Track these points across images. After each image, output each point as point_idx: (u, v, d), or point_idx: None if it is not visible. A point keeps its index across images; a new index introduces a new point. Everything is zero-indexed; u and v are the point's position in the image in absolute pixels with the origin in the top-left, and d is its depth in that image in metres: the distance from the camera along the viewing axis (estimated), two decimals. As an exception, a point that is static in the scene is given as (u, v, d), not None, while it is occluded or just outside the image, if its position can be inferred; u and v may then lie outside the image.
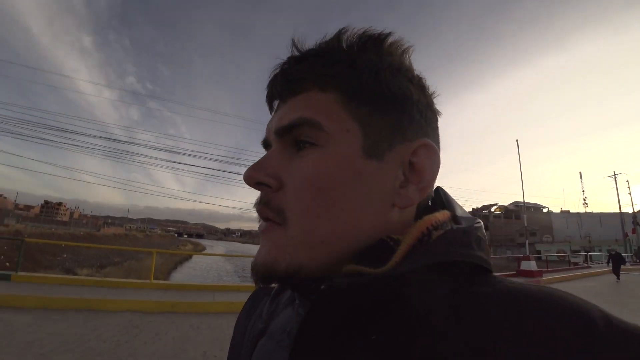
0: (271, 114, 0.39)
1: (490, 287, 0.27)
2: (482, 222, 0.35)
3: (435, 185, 0.37)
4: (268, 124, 0.38)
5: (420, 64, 0.37)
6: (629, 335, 0.22)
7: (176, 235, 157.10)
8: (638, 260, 33.45)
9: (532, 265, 13.84)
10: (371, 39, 0.35)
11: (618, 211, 46.12)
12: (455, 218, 0.35)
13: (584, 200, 61.12)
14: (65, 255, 28.27)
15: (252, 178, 0.34)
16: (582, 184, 62.73)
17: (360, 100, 0.33)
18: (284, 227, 0.32)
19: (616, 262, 14.92)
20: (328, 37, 0.36)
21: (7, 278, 6.09)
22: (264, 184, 0.33)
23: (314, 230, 0.31)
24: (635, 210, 53.15)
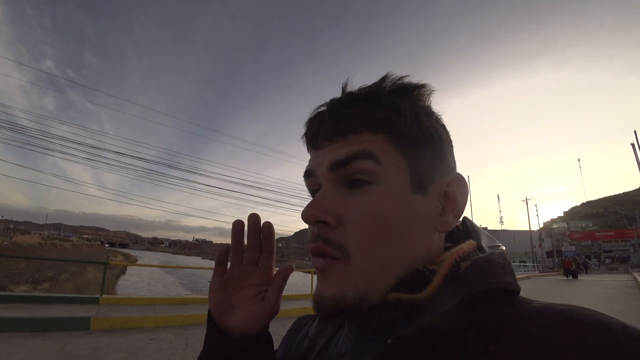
0: (309, 151, 0.43)
1: (519, 308, 0.32)
2: (504, 248, 0.40)
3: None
4: (314, 159, 0.41)
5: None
6: None
7: (107, 245, 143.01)
8: (542, 270, 39.66)
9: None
10: (409, 87, 0.40)
11: (528, 229, 53.81)
12: (480, 247, 0.39)
13: (501, 219, 69.68)
14: (-6, 270, 25.48)
15: (313, 216, 0.36)
16: (499, 205, 71.78)
17: (406, 141, 0.37)
18: (346, 261, 0.35)
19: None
20: (373, 83, 0.40)
21: (96, 301, 6.42)
22: (324, 222, 0.36)
23: (377, 260, 0.35)
24: (540, 228, 62.85)
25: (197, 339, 4.96)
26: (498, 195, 73.46)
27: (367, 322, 0.36)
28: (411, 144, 0.37)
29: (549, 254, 52.55)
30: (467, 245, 0.38)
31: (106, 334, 4.88)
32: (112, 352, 4.19)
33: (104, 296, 6.62)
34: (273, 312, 0.44)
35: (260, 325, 0.43)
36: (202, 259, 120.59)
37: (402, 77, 0.40)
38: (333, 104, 0.40)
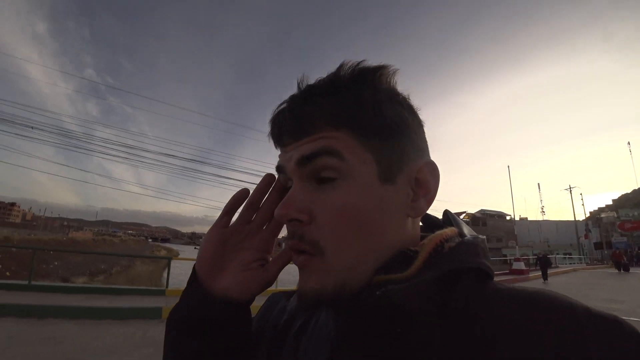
0: (277, 147, 0.43)
1: (494, 289, 0.34)
2: (485, 237, 0.42)
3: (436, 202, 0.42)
4: (283, 156, 0.41)
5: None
6: (605, 321, 0.29)
7: (150, 240, 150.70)
8: (589, 262, 37.68)
9: (521, 265, 18.03)
10: (369, 72, 0.39)
11: (572, 219, 51.24)
12: (461, 234, 0.40)
13: (542, 208, 66.76)
14: (56, 263, 27.80)
15: (285, 215, 0.37)
16: (540, 194, 68.78)
17: (369, 134, 0.37)
18: (322, 257, 0.36)
19: (543, 264, 16.31)
20: (330, 73, 0.40)
21: (162, 293, 7.12)
22: (296, 219, 0.37)
23: (351, 254, 0.36)
24: (586, 217, 59.44)
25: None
26: (538, 183, 70.40)
27: (354, 303, 0.36)
28: (375, 136, 0.37)
29: (597, 246, 49.46)
30: (450, 230, 0.40)
31: (177, 321, 5.43)
32: None
33: (169, 288, 7.28)
34: (269, 284, 0.45)
35: (251, 295, 0.43)
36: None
37: (359, 62, 0.40)
38: (292, 101, 0.40)
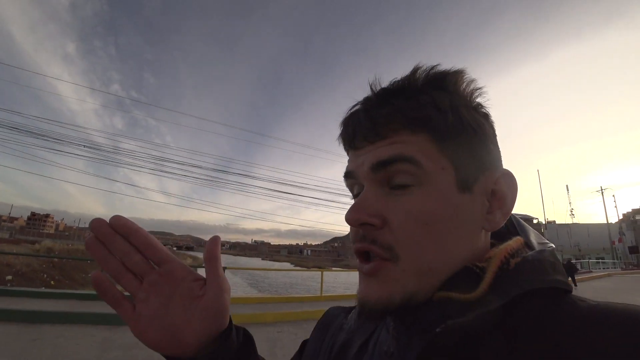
0: (347, 151, 0.42)
1: (572, 306, 0.30)
2: (554, 246, 0.38)
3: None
4: (354, 160, 0.40)
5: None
6: None
7: (174, 248, 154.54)
8: (624, 267, 36.30)
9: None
10: (445, 76, 0.38)
11: (603, 222, 49.45)
12: (528, 245, 0.38)
13: (571, 211, 64.65)
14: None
15: (356, 220, 0.36)
16: (569, 197, 66.56)
17: (448, 139, 0.36)
18: (394, 262, 0.34)
19: (568, 271, 15.20)
20: (404, 77, 0.39)
21: None
22: (368, 223, 0.35)
23: (424, 262, 0.34)
24: (620, 220, 57.09)
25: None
26: (567, 185, 68.24)
27: (415, 320, 0.35)
28: (454, 142, 0.36)
29: (632, 250, 47.50)
30: (515, 242, 0.37)
31: (238, 326, 5.89)
32: (258, 341, 5.18)
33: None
34: (218, 307, 0.40)
35: (222, 325, 0.40)
36: (262, 259, 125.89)
37: (434, 67, 0.38)
38: (367, 103, 0.39)
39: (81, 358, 3.96)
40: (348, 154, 0.42)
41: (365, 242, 0.36)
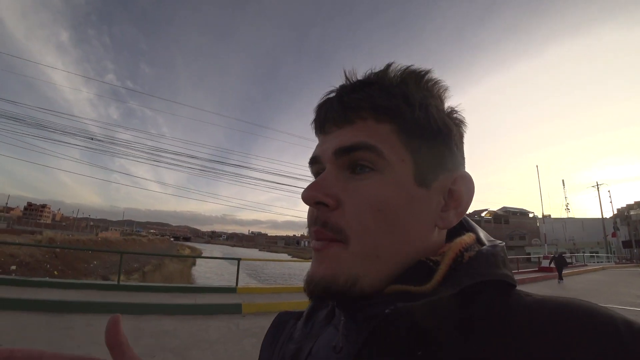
0: (317, 135, 0.43)
1: (519, 300, 0.31)
2: (503, 243, 0.39)
3: None
4: (321, 145, 0.41)
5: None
6: None
7: (172, 239, 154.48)
8: (619, 260, 36.92)
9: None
10: (415, 75, 0.39)
11: (598, 217, 50.17)
12: (479, 241, 0.40)
13: (567, 206, 65.41)
14: (95, 263, 29.25)
15: (312, 197, 0.36)
16: (564, 191, 67.31)
17: (412, 133, 0.37)
18: (344, 244, 0.35)
19: (558, 264, 15.34)
20: (377, 69, 0.40)
21: (233, 291, 7.93)
22: (323, 203, 0.36)
23: (372, 248, 0.34)
24: (614, 214, 57.99)
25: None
26: (563, 180, 68.94)
27: (364, 315, 0.35)
28: (417, 137, 0.37)
29: (626, 244, 48.29)
30: (468, 237, 0.38)
31: (258, 316, 6.22)
32: None
33: (239, 286, 8.11)
34: None
35: None
36: (259, 250, 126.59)
37: (409, 66, 0.40)
38: (341, 90, 0.40)
39: (99, 344, 4.17)
40: (318, 139, 0.43)
41: (318, 225, 0.36)
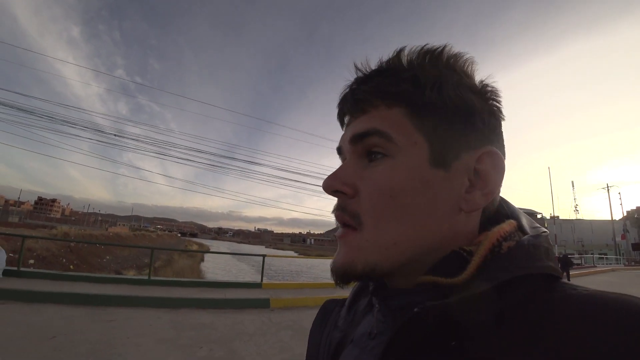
0: (342, 129, 0.44)
1: (564, 293, 0.29)
2: (547, 231, 0.37)
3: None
4: (342, 136, 0.42)
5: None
6: None
7: (178, 234, 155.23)
8: (627, 263, 36.73)
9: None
10: (430, 54, 0.38)
11: (607, 218, 49.77)
12: (521, 229, 0.37)
13: (576, 207, 64.80)
14: (108, 257, 29.72)
15: (330, 186, 0.38)
16: (574, 192, 66.62)
17: (424, 114, 0.36)
18: (360, 231, 0.35)
19: (563, 265, 15.21)
20: (389, 57, 0.40)
21: (259, 286, 8.18)
22: (340, 191, 0.37)
23: (387, 233, 0.34)
24: (624, 216, 57.44)
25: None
26: (572, 181, 68.25)
27: (397, 304, 0.36)
28: (429, 117, 0.36)
29: (635, 247, 47.86)
30: (508, 224, 0.36)
31: (285, 310, 6.46)
32: (309, 322, 5.59)
33: (264, 282, 8.41)
34: None
35: None
36: (266, 247, 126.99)
37: (423, 46, 0.39)
38: (354, 82, 0.41)
39: (162, 337, 4.42)
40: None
41: (338, 211, 0.38)
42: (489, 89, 0.39)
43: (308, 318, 5.99)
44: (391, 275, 0.36)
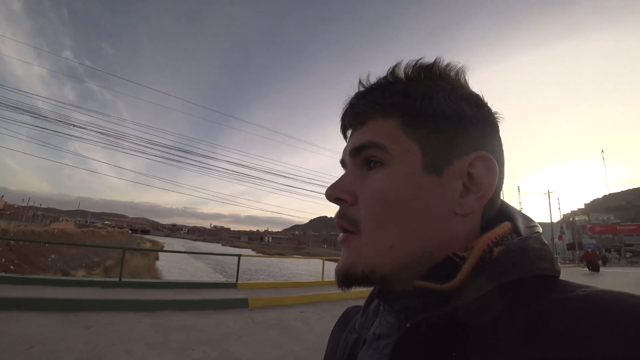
0: (346, 141, 0.46)
1: (559, 295, 0.28)
2: (540, 230, 0.38)
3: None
4: (344, 148, 0.44)
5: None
6: None
7: (129, 231, 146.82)
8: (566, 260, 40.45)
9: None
10: (423, 67, 0.41)
11: (547, 221, 54.33)
12: (516, 231, 0.37)
13: (521, 210, 69.88)
14: (53, 256, 27.77)
15: (332, 194, 0.40)
16: (519, 197, 71.91)
17: (417, 123, 0.38)
18: (359, 236, 0.38)
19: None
20: (386, 72, 0.43)
21: (234, 286, 8.17)
22: (341, 199, 0.40)
23: (383, 237, 0.36)
24: (560, 219, 63.12)
25: (335, 313, 6.64)
26: (518, 187, 73.60)
27: (399, 306, 0.38)
28: (422, 126, 0.38)
29: (570, 247, 53.16)
30: (502, 228, 0.36)
31: (266, 310, 6.56)
32: (292, 320, 5.89)
33: (239, 282, 8.43)
34: None
35: None
36: (222, 245, 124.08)
37: (417, 60, 0.42)
38: (354, 97, 0.44)
39: (150, 341, 4.37)
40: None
41: (339, 218, 0.40)
42: (478, 95, 0.42)
43: (290, 316, 6.17)
44: (391, 278, 0.37)
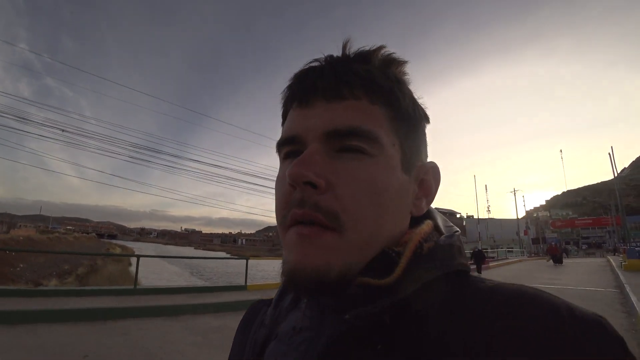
0: (292, 108, 0.39)
1: (474, 287, 0.32)
2: (459, 230, 0.40)
3: None
4: (300, 121, 0.37)
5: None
6: (587, 322, 0.26)
7: (95, 235, 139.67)
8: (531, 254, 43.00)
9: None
10: (395, 60, 0.40)
11: (513, 217, 57.85)
12: (437, 229, 0.39)
13: (488, 208, 73.41)
14: (22, 265, 26.54)
15: (302, 176, 0.32)
16: (487, 194, 75.55)
17: (401, 119, 0.37)
18: (338, 231, 0.32)
19: (477, 259, 16.75)
20: (372, 49, 0.38)
21: (244, 289, 8.50)
22: (312, 183, 0.33)
23: (369, 234, 0.33)
24: (525, 216, 67.14)
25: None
26: (486, 185, 77.30)
27: (331, 302, 0.35)
28: (405, 124, 0.37)
29: (534, 241, 56.64)
30: (427, 225, 0.38)
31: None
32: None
33: (249, 284, 8.83)
34: None
35: None
36: (195, 248, 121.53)
37: (391, 53, 0.40)
38: (334, 59, 0.38)
39: (192, 341, 4.66)
40: (288, 113, 0.40)
41: (306, 208, 0.33)
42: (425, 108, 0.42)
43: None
44: (351, 277, 0.33)
